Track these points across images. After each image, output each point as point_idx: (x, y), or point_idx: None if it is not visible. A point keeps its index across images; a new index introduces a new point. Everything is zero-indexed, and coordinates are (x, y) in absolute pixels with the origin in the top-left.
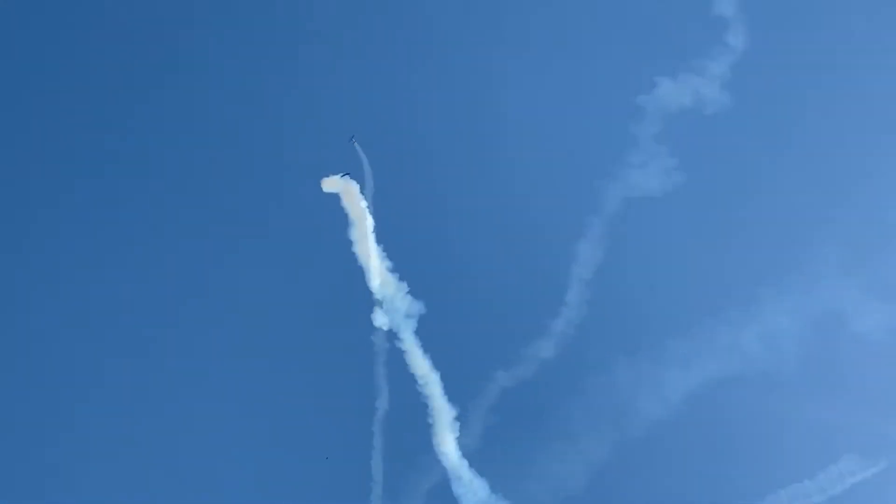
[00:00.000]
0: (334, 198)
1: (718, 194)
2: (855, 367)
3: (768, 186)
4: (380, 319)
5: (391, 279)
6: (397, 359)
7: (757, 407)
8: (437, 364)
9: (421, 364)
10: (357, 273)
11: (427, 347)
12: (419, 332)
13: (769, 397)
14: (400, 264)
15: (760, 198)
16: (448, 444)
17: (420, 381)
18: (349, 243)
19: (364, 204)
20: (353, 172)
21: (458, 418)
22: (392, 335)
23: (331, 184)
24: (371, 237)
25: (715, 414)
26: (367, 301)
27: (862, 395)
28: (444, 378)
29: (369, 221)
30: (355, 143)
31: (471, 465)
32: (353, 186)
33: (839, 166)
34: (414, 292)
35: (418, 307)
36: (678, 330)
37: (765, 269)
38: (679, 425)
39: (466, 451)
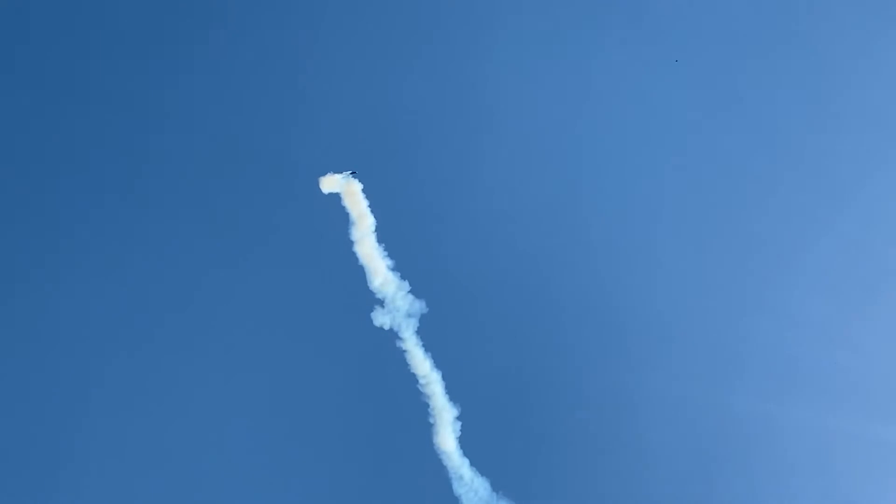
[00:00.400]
0: (335, 197)
1: (718, 196)
2: (854, 371)
3: (770, 189)
4: (380, 319)
5: (392, 278)
6: (398, 358)
7: (757, 410)
8: (439, 363)
9: (422, 364)
10: (358, 272)
11: (428, 347)
12: (420, 332)
13: (769, 401)
14: (401, 263)
15: (760, 200)
16: (449, 443)
17: (421, 381)
18: (350, 243)
19: (365, 203)
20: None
21: (459, 418)
22: (393, 334)
23: (330, 183)
24: (372, 236)
25: (714, 414)
26: (369, 301)
27: (861, 400)
28: (445, 377)
29: (370, 220)
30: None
31: (472, 464)
32: (356, 186)
33: (842, 167)
34: (415, 291)
35: (420, 306)
36: (679, 332)
37: (766, 272)
38: (679, 425)
39: (468, 450)
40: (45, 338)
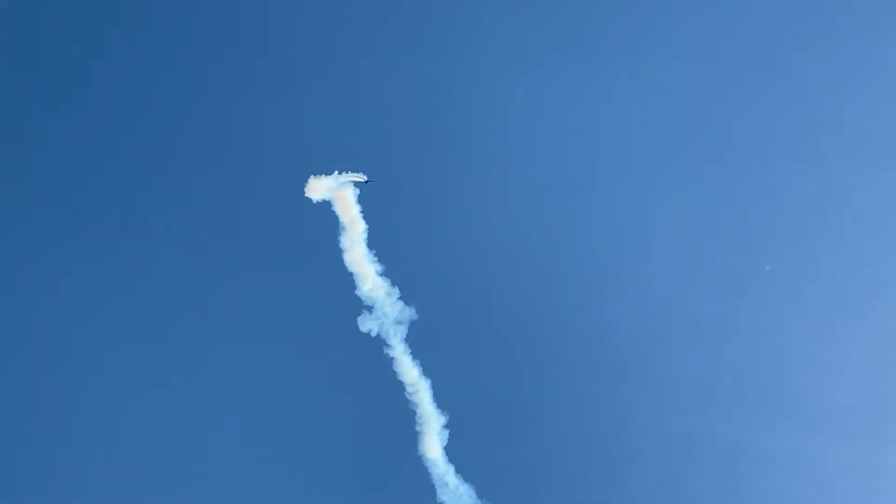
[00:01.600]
0: (327, 201)
1: (707, 221)
2: (839, 396)
3: (758, 213)
4: (367, 324)
5: (382, 284)
6: (386, 366)
7: (741, 436)
8: (428, 371)
9: (410, 371)
10: (348, 278)
11: (417, 354)
12: (410, 339)
13: (753, 425)
14: (392, 269)
15: (748, 225)
16: (435, 450)
17: (409, 389)
18: (341, 247)
19: (357, 209)
20: (346, 184)
21: (446, 426)
22: (381, 341)
23: (321, 188)
24: (363, 242)
25: (706, 426)
26: (358, 306)
27: (852, 428)
28: (434, 386)
29: (362, 226)
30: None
31: (457, 471)
32: (348, 191)
33: (827, 195)
34: (406, 298)
35: (409, 313)
36: (672, 340)
37: (751, 297)
38: (668, 430)
39: (453, 458)
40: (33, 336)
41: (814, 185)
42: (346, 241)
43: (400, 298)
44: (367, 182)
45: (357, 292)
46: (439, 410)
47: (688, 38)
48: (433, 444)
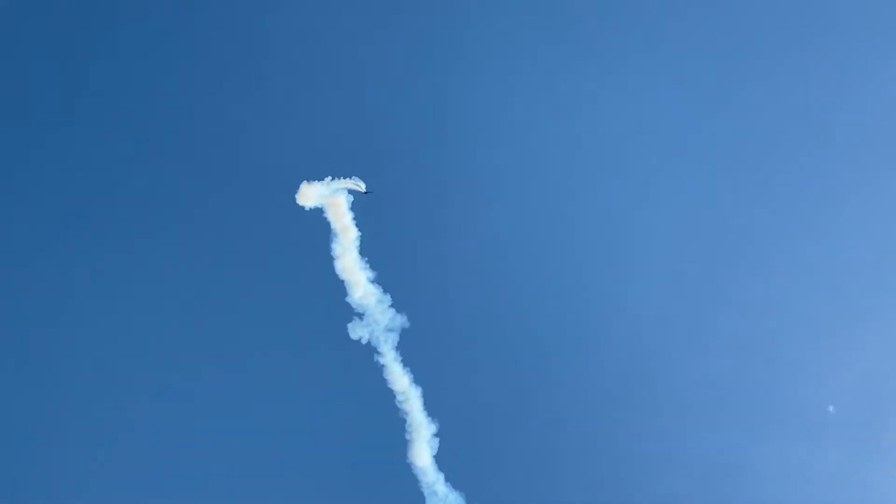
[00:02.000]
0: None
1: (699, 236)
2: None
3: (750, 228)
4: (358, 331)
5: (373, 291)
6: (378, 373)
7: (733, 446)
8: (419, 380)
9: (400, 379)
10: (339, 285)
11: (408, 362)
12: (401, 346)
13: (746, 437)
14: (383, 277)
15: (741, 241)
16: (424, 458)
17: (399, 397)
18: (331, 256)
19: (350, 216)
20: (339, 190)
21: (437, 434)
22: (371, 348)
23: (313, 194)
24: (355, 249)
25: (697, 435)
26: (349, 313)
27: (840, 437)
28: (425, 394)
29: (354, 233)
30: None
31: (447, 479)
32: (340, 198)
33: (817, 208)
34: (397, 305)
35: (401, 320)
36: (662, 350)
37: (743, 310)
38: (659, 444)
39: (443, 466)
40: (33, 338)
41: (804, 195)
42: (337, 247)
43: (391, 306)
44: (366, 192)
45: (348, 299)
46: (430, 418)
47: (684, 43)
48: (423, 452)
